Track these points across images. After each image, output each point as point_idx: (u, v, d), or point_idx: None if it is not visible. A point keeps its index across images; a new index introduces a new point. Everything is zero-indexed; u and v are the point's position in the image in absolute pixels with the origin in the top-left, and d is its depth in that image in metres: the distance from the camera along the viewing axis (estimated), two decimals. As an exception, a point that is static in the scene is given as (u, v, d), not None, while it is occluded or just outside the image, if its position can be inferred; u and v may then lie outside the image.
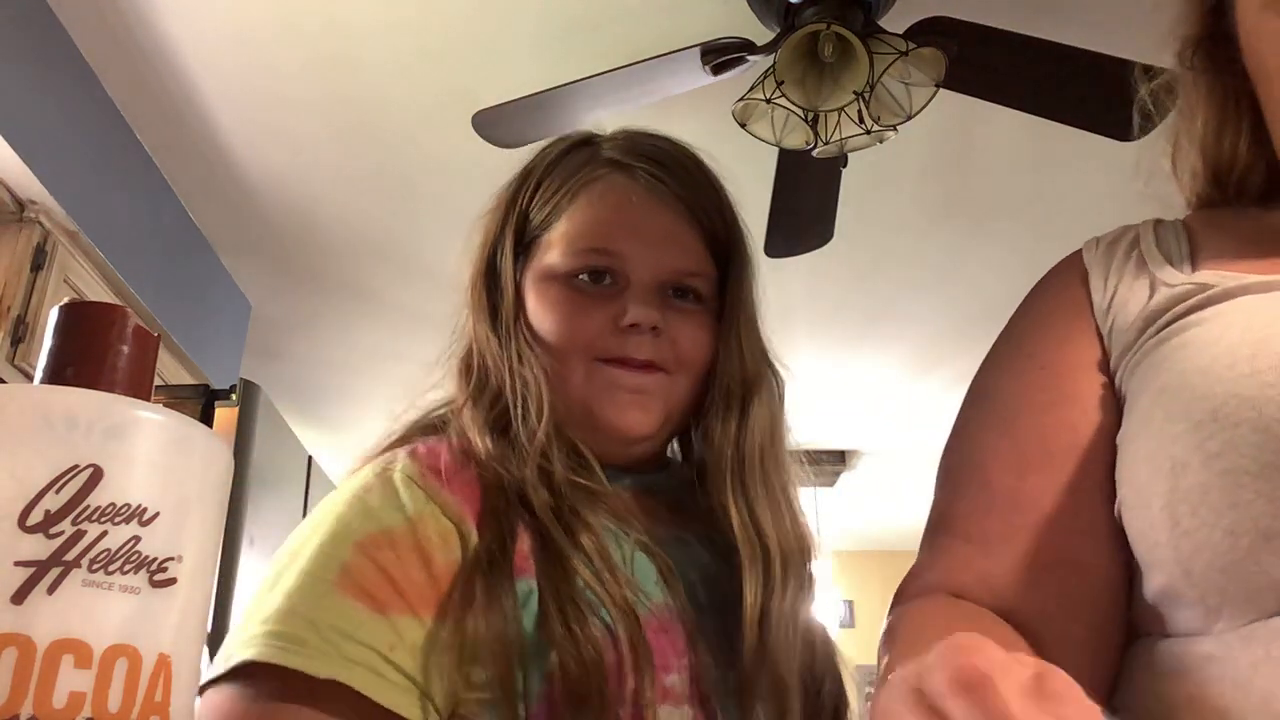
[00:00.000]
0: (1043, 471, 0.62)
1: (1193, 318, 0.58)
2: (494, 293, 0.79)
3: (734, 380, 0.77)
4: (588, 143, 0.84)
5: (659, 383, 0.75)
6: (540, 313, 0.77)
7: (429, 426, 0.77)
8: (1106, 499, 0.60)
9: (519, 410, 0.73)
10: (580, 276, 0.76)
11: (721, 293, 0.80)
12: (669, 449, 0.85)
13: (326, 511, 0.67)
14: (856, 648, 5.90)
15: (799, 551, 0.75)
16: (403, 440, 0.74)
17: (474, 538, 0.65)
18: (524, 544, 0.67)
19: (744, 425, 0.76)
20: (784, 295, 3.55)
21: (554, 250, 0.78)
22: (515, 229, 0.80)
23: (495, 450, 0.71)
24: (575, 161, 0.82)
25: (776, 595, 0.71)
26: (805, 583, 0.75)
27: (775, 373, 0.81)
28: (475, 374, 0.77)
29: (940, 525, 0.67)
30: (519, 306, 0.78)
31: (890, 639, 0.62)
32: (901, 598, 0.66)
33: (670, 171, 0.81)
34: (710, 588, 0.73)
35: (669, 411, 0.76)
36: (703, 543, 0.76)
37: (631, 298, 0.75)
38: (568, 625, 0.62)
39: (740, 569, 0.71)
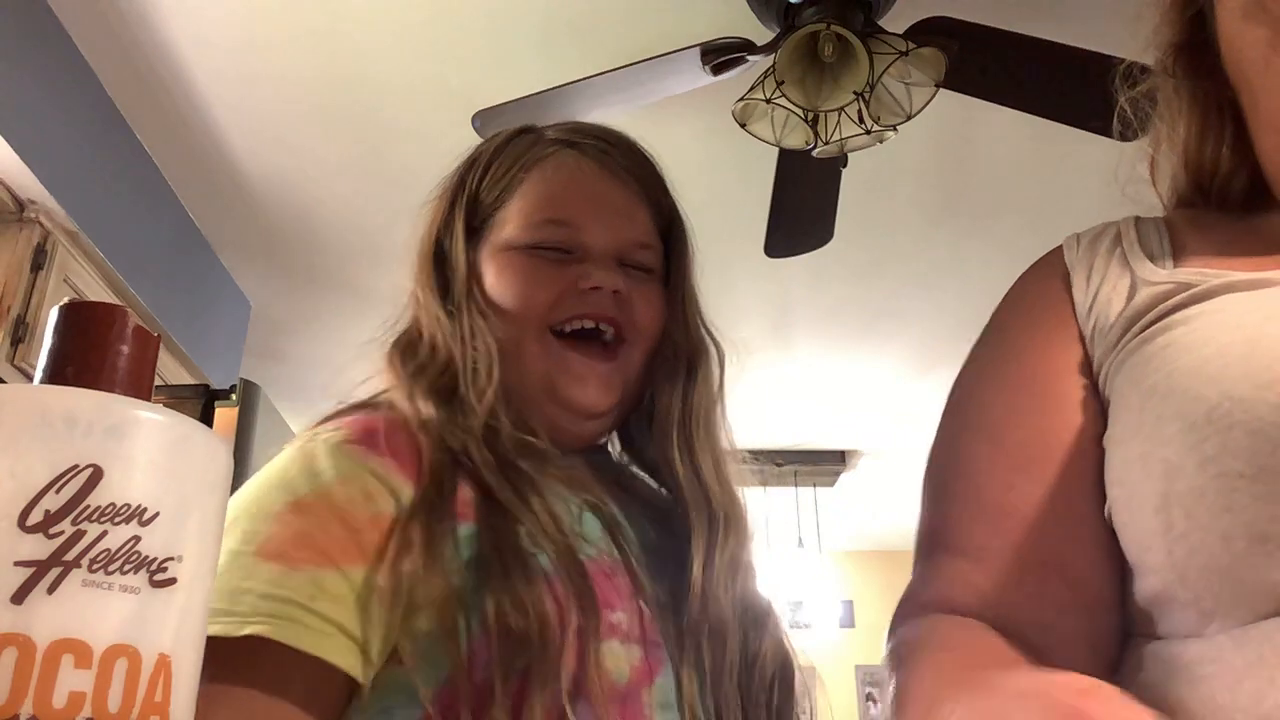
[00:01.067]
0: (1030, 479, 0.62)
1: (1177, 316, 0.57)
2: (443, 272, 0.81)
3: (681, 346, 0.81)
4: (530, 129, 0.87)
5: (616, 367, 0.78)
6: (501, 280, 0.78)
7: (363, 405, 0.77)
8: (1095, 502, 0.59)
9: (469, 375, 0.74)
10: (538, 249, 0.78)
11: (666, 267, 0.84)
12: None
13: (249, 491, 0.67)
14: (856, 648, 5.90)
15: (735, 511, 0.78)
16: (334, 417, 0.75)
17: (407, 492, 0.65)
18: (465, 494, 0.67)
19: (690, 385, 0.80)
20: (784, 295, 3.55)
21: (511, 225, 0.80)
22: (465, 211, 0.82)
23: (439, 414, 0.72)
24: (522, 144, 0.84)
25: (718, 546, 0.74)
26: (744, 541, 0.78)
27: (717, 343, 0.85)
28: (421, 351, 0.78)
29: (932, 541, 0.66)
30: (471, 282, 0.79)
31: (899, 658, 0.61)
32: (901, 618, 0.65)
33: (616, 148, 0.84)
34: (651, 554, 0.74)
35: (625, 383, 0.79)
36: (644, 516, 0.78)
37: (592, 264, 0.78)
38: (506, 573, 0.62)
39: (685, 519, 0.75)
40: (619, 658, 0.64)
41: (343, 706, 0.62)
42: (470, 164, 0.85)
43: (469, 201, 0.82)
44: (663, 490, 0.82)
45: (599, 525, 0.72)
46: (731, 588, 0.73)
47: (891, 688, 0.60)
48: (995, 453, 0.64)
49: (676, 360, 0.81)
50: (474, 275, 0.80)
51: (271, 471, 0.68)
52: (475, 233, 0.82)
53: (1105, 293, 0.63)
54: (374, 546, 0.63)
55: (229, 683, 0.57)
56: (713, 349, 0.84)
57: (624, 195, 0.82)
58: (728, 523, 0.76)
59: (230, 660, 0.56)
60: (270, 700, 0.58)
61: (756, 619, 0.76)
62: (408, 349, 0.79)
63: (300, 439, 0.70)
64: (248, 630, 0.57)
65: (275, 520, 0.63)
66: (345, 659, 0.60)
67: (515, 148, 0.84)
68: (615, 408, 0.79)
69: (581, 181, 0.82)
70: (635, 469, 0.85)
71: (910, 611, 0.65)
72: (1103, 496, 0.59)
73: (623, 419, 0.83)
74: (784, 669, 0.76)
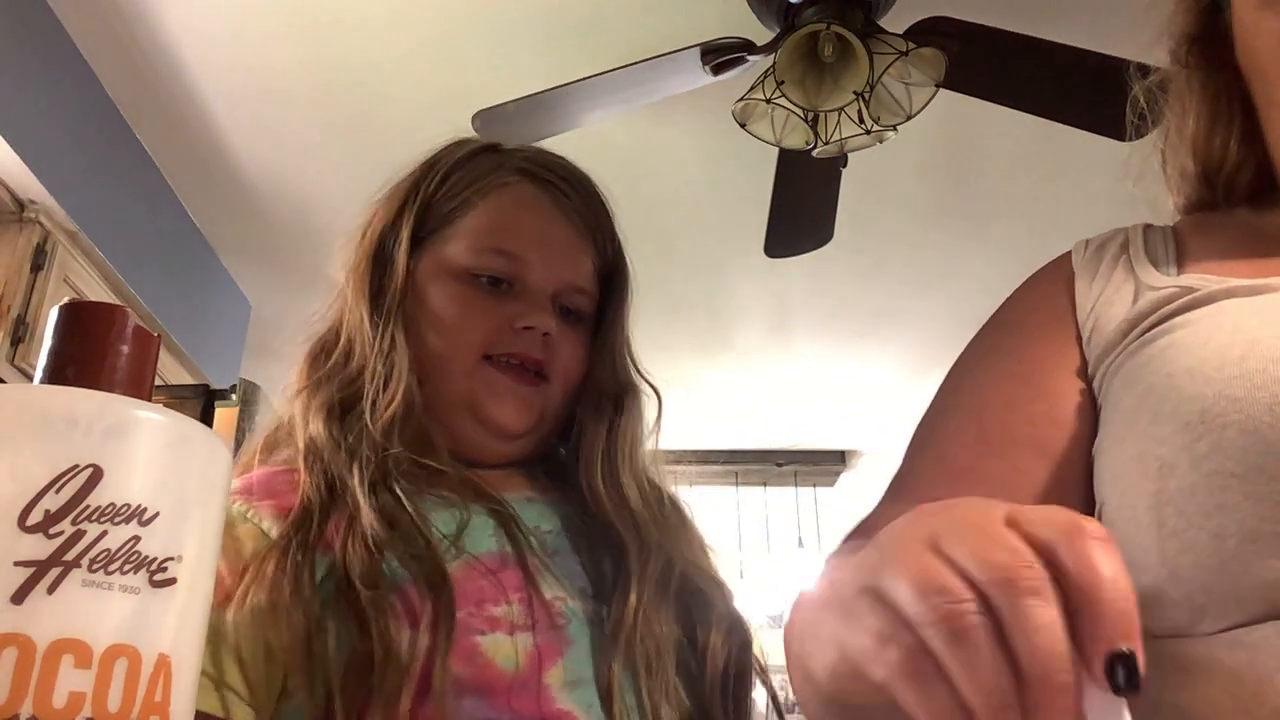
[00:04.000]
0: (1001, 456, 0.62)
1: (1177, 320, 0.58)
2: (380, 278, 0.81)
3: (607, 387, 0.84)
4: (496, 149, 0.88)
5: (541, 391, 0.80)
6: (435, 304, 0.80)
7: (270, 444, 0.79)
8: (1073, 500, 0.60)
9: (372, 391, 0.76)
10: (480, 278, 0.80)
11: (600, 312, 0.86)
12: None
13: None
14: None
15: (663, 529, 0.80)
16: (244, 468, 0.77)
17: (277, 531, 0.68)
18: (335, 523, 0.69)
19: (615, 424, 0.83)
20: (784, 295, 3.55)
21: (458, 244, 0.81)
22: (415, 218, 0.83)
23: (325, 434, 0.73)
24: (486, 164, 0.85)
25: (648, 568, 0.75)
26: (674, 558, 0.78)
27: (651, 385, 0.87)
28: (334, 356, 0.80)
29: (893, 491, 0.67)
30: (404, 294, 0.80)
31: (846, 548, 0.61)
32: (838, 548, 0.66)
33: (576, 190, 0.86)
34: (560, 537, 0.78)
35: (543, 415, 0.81)
36: (552, 504, 0.81)
37: (529, 303, 0.80)
38: (354, 599, 0.64)
39: (618, 543, 0.77)
40: (504, 648, 0.66)
41: None
42: (427, 170, 0.86)
43: (420, 209, 0.83)
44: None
45: (490, 525, 0.73)
46: (664, 603, 0.75)
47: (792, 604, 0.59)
48: (974, 428, 0.65)
49: (602, 400, 0.83)
50: (407, 289, 0.81)
51: None
52: (419, 241, 0.82)
53: (1108, 296, 0.64)
54: (236, 588, 0.65)
55: None
56: (643, 390, 0.86)
57: (573, 238, 0.84)
58: (655, 545, 0.77)
59: None
60: None
61: (702, 613, 0.77)
62: (318, 356, 0.81)
63: None
64: None
65: None
66: (208, 702, 0.61)
67: (478, 166, 0.85)
68: (532, 431, 0.81)
69: (534, 217, 0.83)
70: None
71: (851, 538, 0.65)
72: (1079, 496, 0.60)
73: (542, 449, 0.85)
74: (739, 656, 0.78)
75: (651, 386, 0.87)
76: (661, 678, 0.72)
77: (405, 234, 0.82)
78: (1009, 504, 0.37)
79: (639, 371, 0.87)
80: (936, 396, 0.70)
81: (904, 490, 0.66)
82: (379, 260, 0.82)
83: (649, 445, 0.85)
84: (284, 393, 0.81)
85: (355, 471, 0.71)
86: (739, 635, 0.79)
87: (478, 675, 0.65)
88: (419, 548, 0.67)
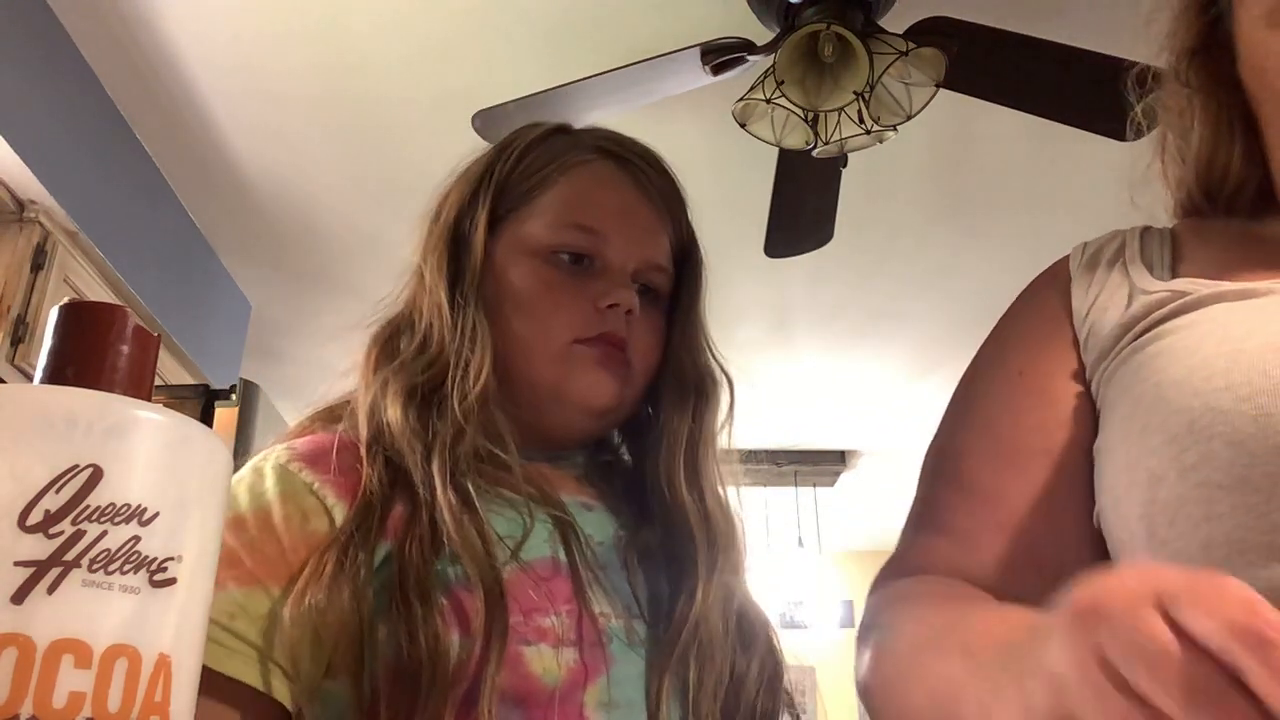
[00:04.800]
0: (1018, 471, 0.63)
1: (1168, 325, 0.58)
2: (458, 259, 0.80)
3: (689, 371, 0.81)
4: (568, 130, 0.87)
5: (627, 365, 0.78)
6: (518, 286, 0.78)
7: (330, 416, 0.78)
8: (1082, 505, 0.60)
9: (457, 374, 0.74)
10: (560, 255, 0.78)
11: (676, 295, 0.84)
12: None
13: None
14: (856, 648, 5.89)
15: (733, 537, 0.79)
16: (301, 432, 0.76)
17: (342, 511, 0.67)
18: (400, 511, 0.68)
19: (700, 410, 0.80)
20: (784, 295, 3.55)
21: (537, 221, 0.79)
22: (491, 197, 0.81)
23: (404, 418, 0.72)
24: (561, 143, 0.84)
25: (717, 569, 0.74)
26: (738, 564, 0.78)
27: (727, 375, 0.85)
28: (410, 341, 0.78)
29: (919, 519, 0.68)
30: (483, 276, 0.79)
31: (875, 614, 0.62)
32: (878, 585, 0.66)
33: (653, 168, 0.85)
34: (610, 550, 0.75)
35: (629, 394, 0.79)
36: (607, 512, 0.79)
37: (612, 281, 0.78)
38: (405, 599, 0.63)
39: (687, 541, 0.75)
40: (548, 661, 0.65)
41: None
42: (500, 151, 0.84)
43: (497, 188, 0.81)
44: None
45: (547, 529, 0.72)
46: (725, 610, 0.74)
47: (868, 651, 0.60)
48: (984, 443, 0.65)
49: (685, 385, 0.81)
50: (486, 271, 0.79)
51: None
52: (496, 221, 0.81)
53: (1103, 300, 0.64)
54: (302, 564, 0.64)
55: None
56: (723, 379, 0.84)
57: (652, 215, 0.83)
58: (726, 547, 0.77)
59: None
60: None
61: (746, 640, 0.76)
62: (391, 339, 0.79)
63: (256, 457, 0.72)
64: None
65: None
66: (249, 674, 0.61)
67: (553, 145, 0.84)
68: (615, 411, 0.79)
69: (615, 193, 0.82)
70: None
71: (891, 575, 0.66)
72: (1088, 500, 0.60)
73: (601, 440, 0.84)
74: (770, 688, 0.77)
75: (727, 375, 0.85)
76: (710, 693, 0.70)
77: (483, 214, 0.80)
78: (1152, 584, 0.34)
79: (716, 358, 0.85)
80: (947, 413, 0.71)
81: (932, 520, 0.67)
82: (456, 241, 0.80)
83: (722, 440, 0.83)
84: (350, 374, 0.79)
85: (435, 460, 0.69)
86: (772, 666, 0.77)
87: (519, 685, 0.64)
88: (479, 554, 0.66)
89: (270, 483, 0.68)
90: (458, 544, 0.66)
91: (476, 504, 0.69)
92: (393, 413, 0.72)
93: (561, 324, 0.76)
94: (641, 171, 0.84)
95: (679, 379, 0.81)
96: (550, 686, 0.64)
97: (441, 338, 0.76)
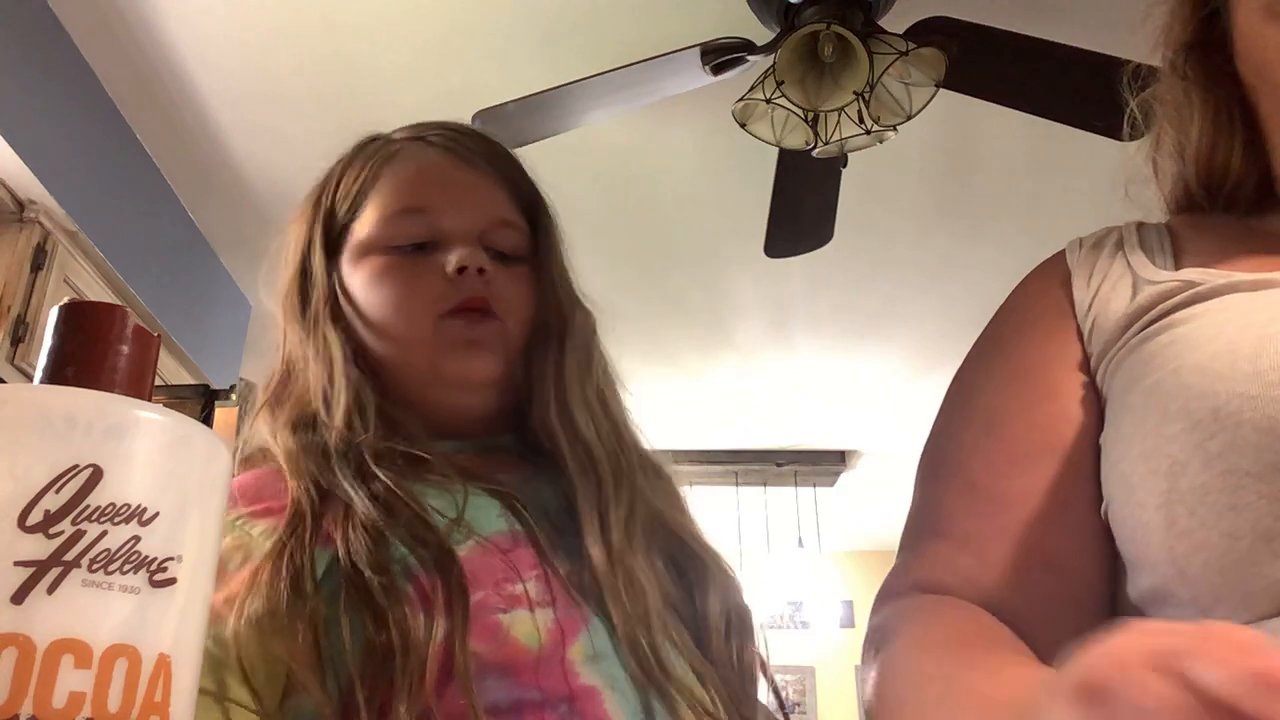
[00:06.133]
0: (1025, 470, 0.62)
1: (1180, 314, 0.57)
2: (304, 291, 0.81)
3: (551, 319, 0.81)
4: (376, 137, 0.88)
5: (498, 330, 0.78)
6: (369, 286, 0.79)
7: (248, 464, 0.78)
8: (1089, 498, 0.59)
9: (321, 390, 0.75)
10: (401, 247, 0.79)
11: (533, 249, 0.84)
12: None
13: None
14: (857, 648, 5.89)
15: (628, 461, 0.78)
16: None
17: (275, 536, 0.67)
18: (332, 519, 0.68)
19: (561, 351, 0.80)
20: (784, 295, 3.56)
21: (369, 224, 0.81)
22: (324, 225, 0.83)
23: (295, 443, 0.73)
24: (369, 150, 0.86)
25: (610, 501, 0.74)
26: (644, 491, 0.77)
27: (587, 311, 0.85)
28: (280, 378, 0.80)
29: (922, 525, 0.67)
30: (331, 297, 0.80)
31: (883, 635, 0.62)
32: (886, 597, 0.66)
33: (463, 136, 0.85)
34: (560, 515, 0.75)
35: (508, 356, 0.79)
36: (549, 482, 0.78)
37: (455, 248, 0.78)
38: (363, 589, 0.63)
39: (571, 484, 0.75)
40: (526, 625, 0.65)
41: None
42: (324, 182, 0.86)
43: (326, 216, 0.83)
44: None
45: (496, 505, 0.72)
46: (638, 539, 0.73)
47: (873, 673, 0.60)
48: (989, 442, 0.64)
49: (548, 333, 0.81)
50: (336, 289, 0.80)
51: None
52: (335, 246, 0.82)
53: (1105, 292, 0.64)
54: (226, 602, 0.64)
55: None
56: (585, 317, 0.84)
57: (479, 178, 0.83)
58: (617, 476, 0.76)
59: None
60: None
61: (696, 576, 0.76)
62: (277, 391, 0.81)
63: None
64: None
65: None
66: (208, 717, 0.61)
67: (363, 155, 0.85)
68: (501, 378, 0.79)
69: (433, 170, 0.82)
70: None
71: (895, 592, 0.65)
72: (1095, 494, 0.59)
73: (507, 403, 0.83)
74: (739, 624, 0.76)
75: (589, 314, 0.85)
76: (655, 629, 0.69)
77: (318, 242, 0.82)
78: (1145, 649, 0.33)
79: (580, 302, 0.85)
80: (945, 405, 0.70)
81: (936, 524, 0.65)
82: (304, 276, 0.82)
83: (599, 374, 0.82)
84: (248, 430, 0.80)
85: (335, 468, 0.70)
86: (734, 602, 0.77)
87: (500, 653, 0.63)
88: (420, 530, 0.66)
89: None
90: (395, 528, 0.66)
91: (399, 490, 0.69)
92: (284, 441, 0.74)
93: (420, 303, 0.77)
94: (454, 142, 0.84)
95: (542, 325, 0.81)
96: (534, 650, 0.64)
97: (304, 367, 0.78)
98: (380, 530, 0.66)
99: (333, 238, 0.82)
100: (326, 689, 0.62)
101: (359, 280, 0.79)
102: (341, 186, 0.84)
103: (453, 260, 0.77)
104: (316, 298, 0.80)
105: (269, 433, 0.76)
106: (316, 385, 0.76)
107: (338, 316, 0.79)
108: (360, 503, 0.67)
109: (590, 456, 0.76)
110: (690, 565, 0.77)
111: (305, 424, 0.75)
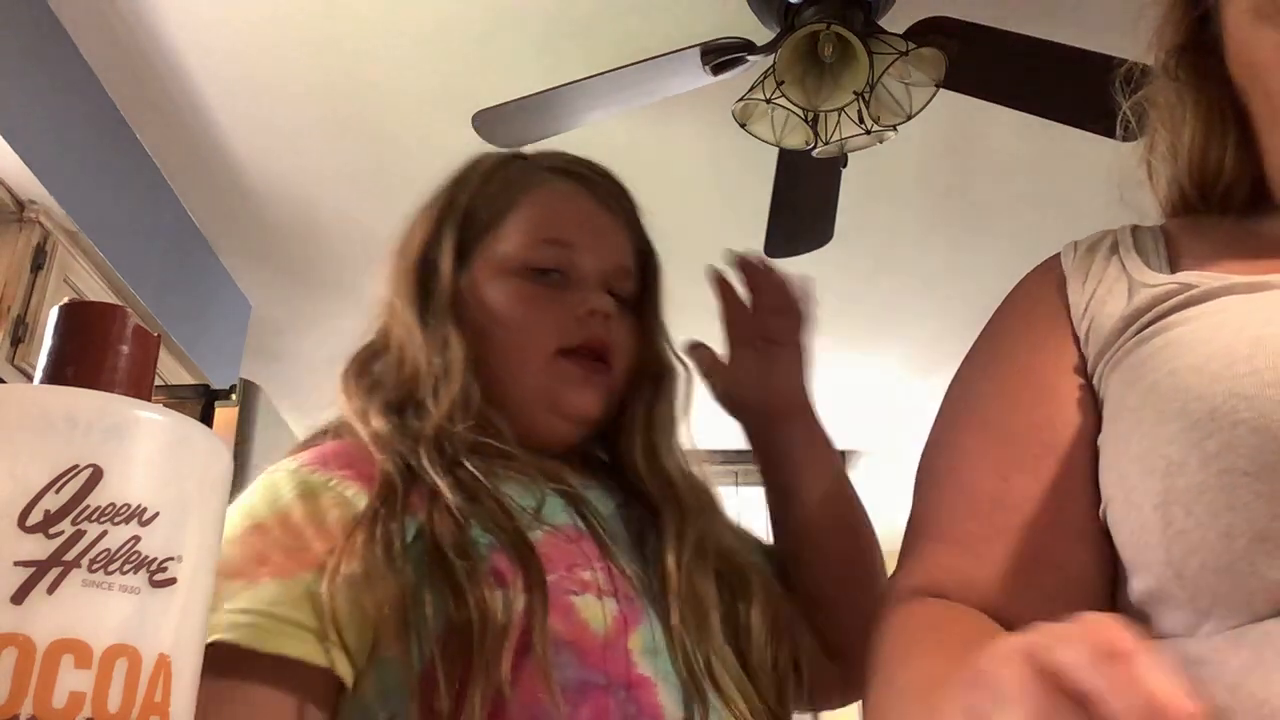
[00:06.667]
0: (1021, 473, 0.62)
1: (1176, 316, 0.57)
2: (426, 285, 0.83)
3: (649, 367, 0.88)
4: (521, 156, 0.92)
5: (608, 374, 0.83)
6: (498, 304, 0.82)
7: (324, 432, 0.81)
8: (1087, 500, 0.59)
9: (430, 381, 0.78)
10: (534, 270, 0.83)
11: (640, 297, 0.90)
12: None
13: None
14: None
15: (702, 497, 0.84)
16: (304, 448, 0.79)
17: (363, 500, 0.69)
18: (418, 495, 0.71)
19: (655, 400, 0.87)
20: (784, 295, 3.55)
21: (509, 242, 0.84)
22: (457, 227, 0.85)
23: (389, 426, 0.75)
24: (518, 167, 0.89)
25: (687, 531, 0.78)
26: (711, 521, 0.82)
27: (686, 366, 0.92)
28: (383, 363, 0.82)
29: (920, 529, 0.67)
30: (454, 299, 0.82)
31: (879, 640, 0.62)
32: (887, 603, 0.66)
33: (609, 184, 0.90)
34: (614, 521, 0.79)
35: (610, 399, 0.84)
36: (607, 491, 0.83)
37: (586, 289, 0.83)
38: (446, 567, 0.65)
39: (654, 515, 0.79)
40: (595, 610, 0.68)
41: (326, 699, 0.65)
42: (459, 183, 0.88)
43: (462, 218, 0.85)
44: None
45: (562, 504, 0.76)
46: (703, 567, 0.77)
47: (872, 682, 0.60)
48: (987, 445, 0.64)
49: (644, 380, 0.87)
50: (461, 292, 0.83)
51: (238, 501, 0.72)
52: (465, 250, 0.84)
53: (1101, 295, 0.64)
54: (330, 551, 0.66)
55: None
56: (680, 371, 0.91)
57: (614, 224, 0.88)
58: (691, 509, 0.80)
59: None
60: (236, 701, 0.61)
61: (739, 589, 0.79)
62: (366, 364, 0.83)
63: (265, 472, 0.75)
64: (212, 638, 0.60)
65: (238, 543, 0.67)
66: (303, 650, 0.63)
67: (510, 171, 0.88)
68: (603, 414, 0.84)
69: (579, 207, 0.87)
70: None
71: (897, 595, 0.65)
72: (1094, 496, 0.59)
73: (592, 433, 0.87)
74: (775, 633, 0.78)
75: (685, 366, 0.92)
76: (710, 640, 0.73)
77: (449, 243, 0.84)
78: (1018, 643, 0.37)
79: (675, 353, 0.91)
80: (942, 414, 0.70)
81: (935, 527, 0.66)
82: (424, 270, 0.84)
83: (682, 428, 0.89)
84: (332, 405, 0.82)
85: (423, 454, 0.72)
86: (773, 611, 0.79)
87: (573, 632, 0.66)
88: (500, 518, 0.69)
89: (286, 488, 0.71)
90: (474, 513, 0.69)
91: (482, 479, 0.72)
92: (376, 424, 0.76)
93: (545, 334, 0.81)
94: (597, 185, 0.89)
95: (639, 374, 0.86)
96: (600, 633, 0.67)
97: (415, 356, 0.80)
98: (464, 515, 0.69)
99: (466, 241, 0.85)
100: (410, 656, 0.64)
101: (491, 294, 0.82)
102: (485, 193, 0.86)
103: (587, 302, 0.81)
104: (440, 295, 0.82)
105: (357, 412, 0.78)
106: (428, 376, 0.78)
107: (460, 318, 0.81)
108: (446, 489, 0.70)
109: (673, 491, 0.82)
110: (734, 578, 0.80)
111: (402, 408, 0.78)
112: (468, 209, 0.86)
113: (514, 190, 0.86)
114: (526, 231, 0.84)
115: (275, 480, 0.72)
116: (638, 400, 0.86)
